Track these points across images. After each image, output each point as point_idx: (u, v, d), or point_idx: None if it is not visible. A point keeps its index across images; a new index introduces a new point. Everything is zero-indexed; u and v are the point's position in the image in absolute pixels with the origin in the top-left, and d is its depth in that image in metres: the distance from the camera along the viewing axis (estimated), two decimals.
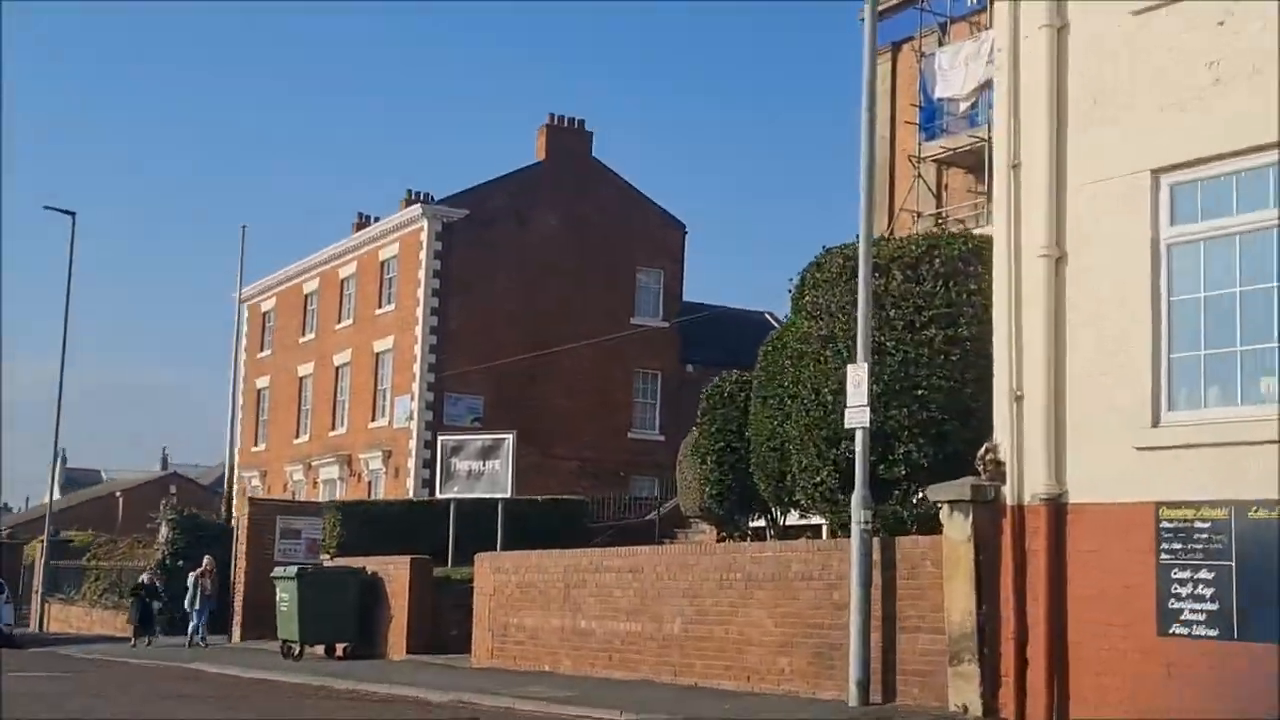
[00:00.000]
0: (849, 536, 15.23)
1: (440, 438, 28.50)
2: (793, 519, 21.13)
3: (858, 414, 15.01)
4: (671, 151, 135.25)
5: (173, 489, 67.02)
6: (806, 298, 17.49)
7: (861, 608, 14.71)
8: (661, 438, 46.40)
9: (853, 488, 15.33)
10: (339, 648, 25.77)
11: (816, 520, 20.42)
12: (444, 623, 24.81)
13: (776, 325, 51.91)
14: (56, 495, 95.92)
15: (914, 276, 15.97)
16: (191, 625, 31.31)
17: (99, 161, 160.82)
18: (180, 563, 34.68)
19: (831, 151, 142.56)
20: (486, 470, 26.62)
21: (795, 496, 18.02)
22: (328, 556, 28.95)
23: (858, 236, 15.88)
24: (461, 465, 27.01)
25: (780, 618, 16.39)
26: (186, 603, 31.23)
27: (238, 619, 32.14)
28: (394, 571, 25.24)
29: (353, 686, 19.92)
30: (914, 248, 16.56)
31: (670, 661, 18.05)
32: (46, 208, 43.41)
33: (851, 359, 15.52)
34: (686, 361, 47.64)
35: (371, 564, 26.10)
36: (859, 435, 15.01)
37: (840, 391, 15.75)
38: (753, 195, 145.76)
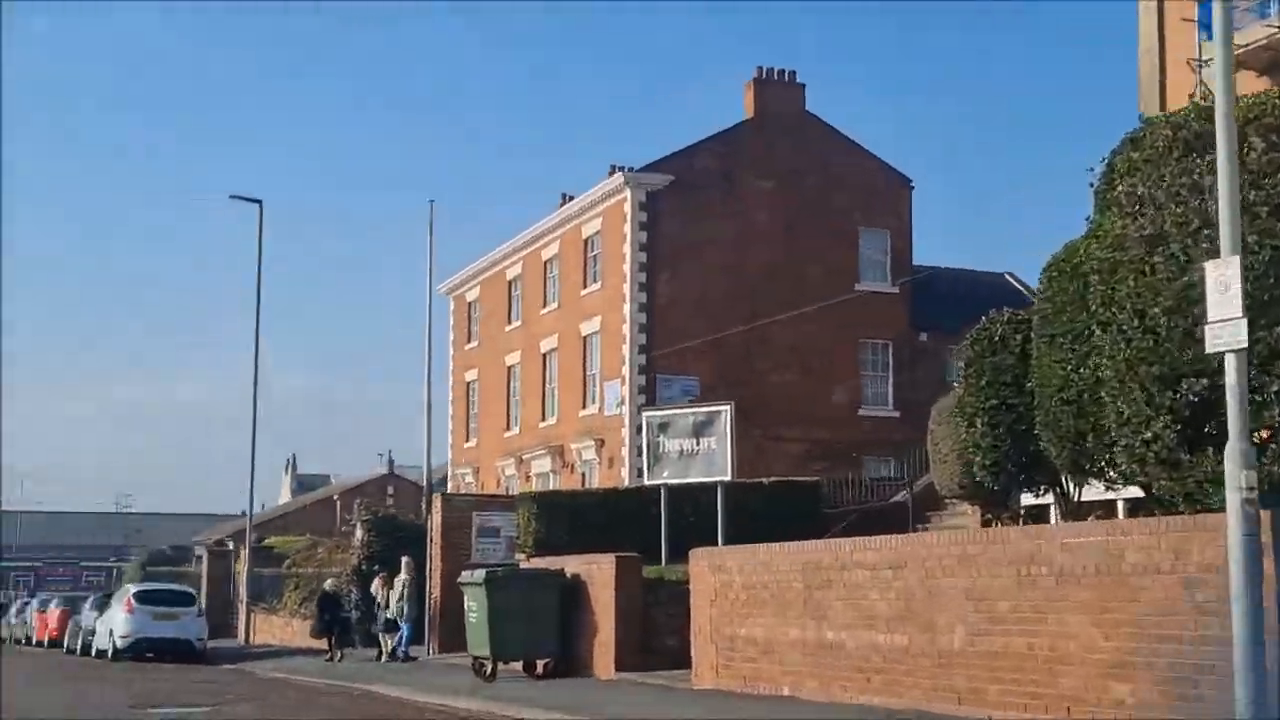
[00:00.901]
0: (1187, 511, 10.82)
1: (645, 414, 24.02)
2: (1091, 492, 16.11)
3: (1228, 331, 10.05)
4: (892, 101, 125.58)
5: (391, 489, 64.44)
6: (1119, 188, 12.52)
7: (1249, 612, 9.78)
8: (896, 413, 41.34)
9: (1199, 445, 10.57)
10: (539, 664, 21.56)
11: (1128, 493, 15.39)
12: (657, 632, 20.43)
13: (1020, 287, 46.70)
14: (286, 498, 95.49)
15: None
16: (395, 637, 27.64)
17: (281, 151, 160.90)
18: (376, 567, 31.12)
19: (1081, 93, 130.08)
20: (701, 449, 22.10)
21: (1110, 459, 13.10)
22: (524, 556, 24.83)
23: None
24: (672, 445, 22.54)
25: (1111, 627, 11.51)
26: (390, 611, 27.53)
27: (435, 630, 28.37)
28: (598, 573, 20.89)
29: None
30: None
31: (950, 685, 13.28)
32: (233, 197, 40.27)
33: (1194, 260, 10.67)
34: (919, 329, 42.43)
35: (572, 564, 21.83)
36: (1231, 363, 10.06)
37: (1177, 311, 11.02)
38: (984, 145, 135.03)
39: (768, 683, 16.36)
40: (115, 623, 32.67)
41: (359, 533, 33.42)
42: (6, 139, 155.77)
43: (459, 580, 22.38)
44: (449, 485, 51.46)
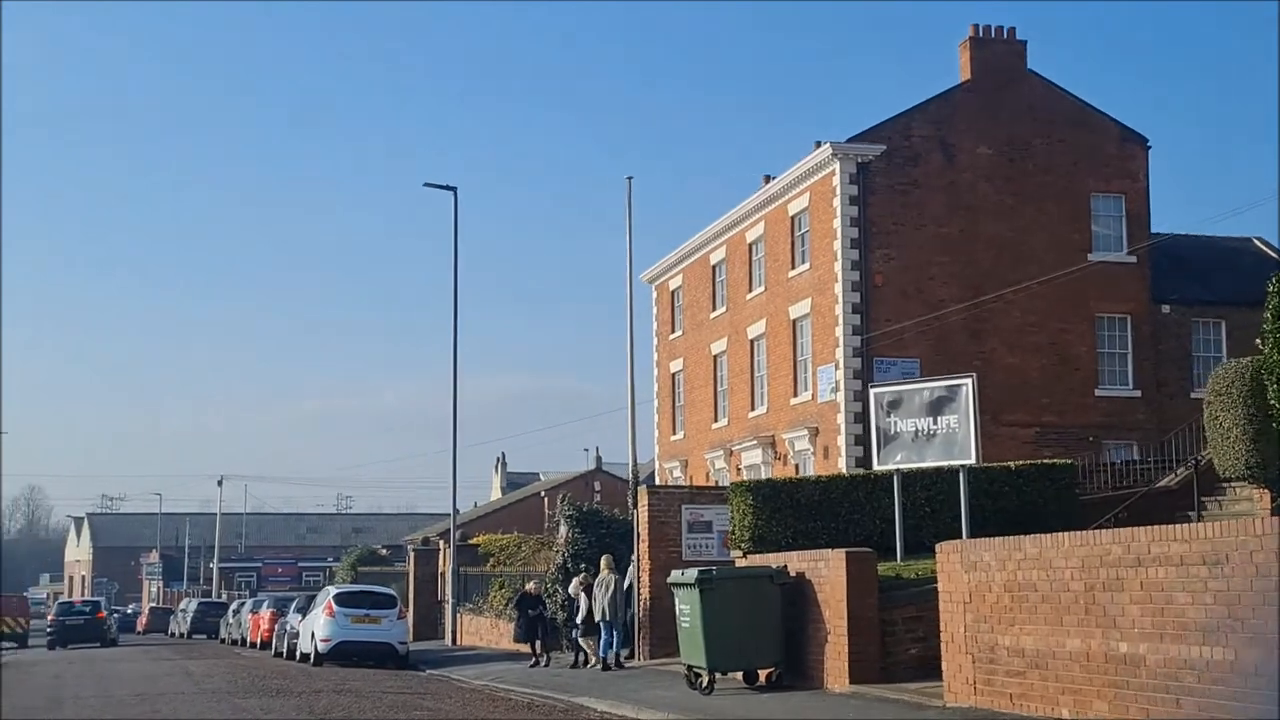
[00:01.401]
0: None
1: (873, 390, 21.00)
2: None
3: None
4: (1119, 57, 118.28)
5: (597, 485, 62.50)
6: None
7: None
8: (1136, 393, 37.52)
9: None
10: (760, 674, 18.88)
11: None
12: (895, 638, 17.57)
13: (1270, 252, 42.30)
14: (497, 497, 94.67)
15: None
16: (600, 641, 25.29)
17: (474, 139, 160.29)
18: (582, 565, 28.84)
19: None
20: (940, 430, 19.16)
21: None
22: (739, 553, 22.13)
23: None
24: (905, 425, 19.63)
25: None
26: (598, 614, 25.14)
27: (644, 633, 25.89)
28: (826, 570, 18.07)
29: None
30: None
31: None
32: (426, 185, 38.51)
33: None
34: (1160, 301, 38.44)
35: (795, 561, 19.08)
36: None
37: None
38: (1222, 101, 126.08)
39: (1040, 702, 13.40)
40: (316, 626, 31.08)
41: (563, 529, 31.17)
42: (5, 140, 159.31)
43: (669, 580, 19.81)
44: (656, 480, 49.08)
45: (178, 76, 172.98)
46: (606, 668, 24.69)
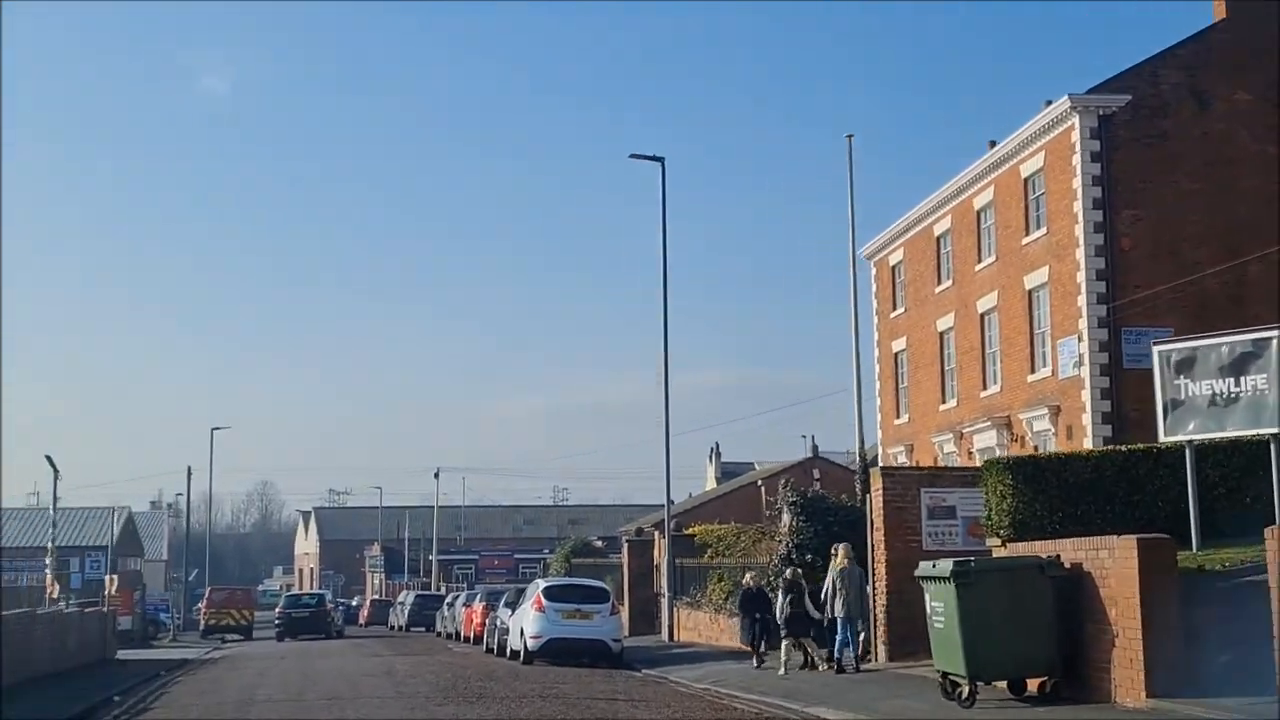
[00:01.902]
0: None
1: (1157, 348, 17.63)
2: None
3: None
4: None
5: (816, 473, 59.27)
6: None
7: None
8: None
9: None
10: (1030, 683, 15.79)
11: None
12: (1199, 643, 14.27)
13: None
14: (710, 485, 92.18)
15: None
16: (838, 640, 22.39)
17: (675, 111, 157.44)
18: (808, 557, 26.02)
19: None
20: (1243, 392, 15.77)
21: None
22: (997, 541, 18.99)
23: None
24: (1198, 388, 16.31)
25: None
26: (837, 609, 22.20)
27: (881, 632, 22.92)
28: (1110, 562, 14.84)
29: None
30: None
31: None
32: (632, 156, 36.06)
33: None
34: None
35: (1068, 550, 15.91)
36: None
37: None
38: None
39: None
40: (525, 621, 28.90)
41: (786, 517, 28.36)
42: None
43: (918, 574, 16.82)
44: (879, 465, 45.83)
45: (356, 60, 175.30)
46: (841, 670, 21.83)
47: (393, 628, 64.10)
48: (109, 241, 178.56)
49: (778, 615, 23.79)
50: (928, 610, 16.33)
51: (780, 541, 28.59)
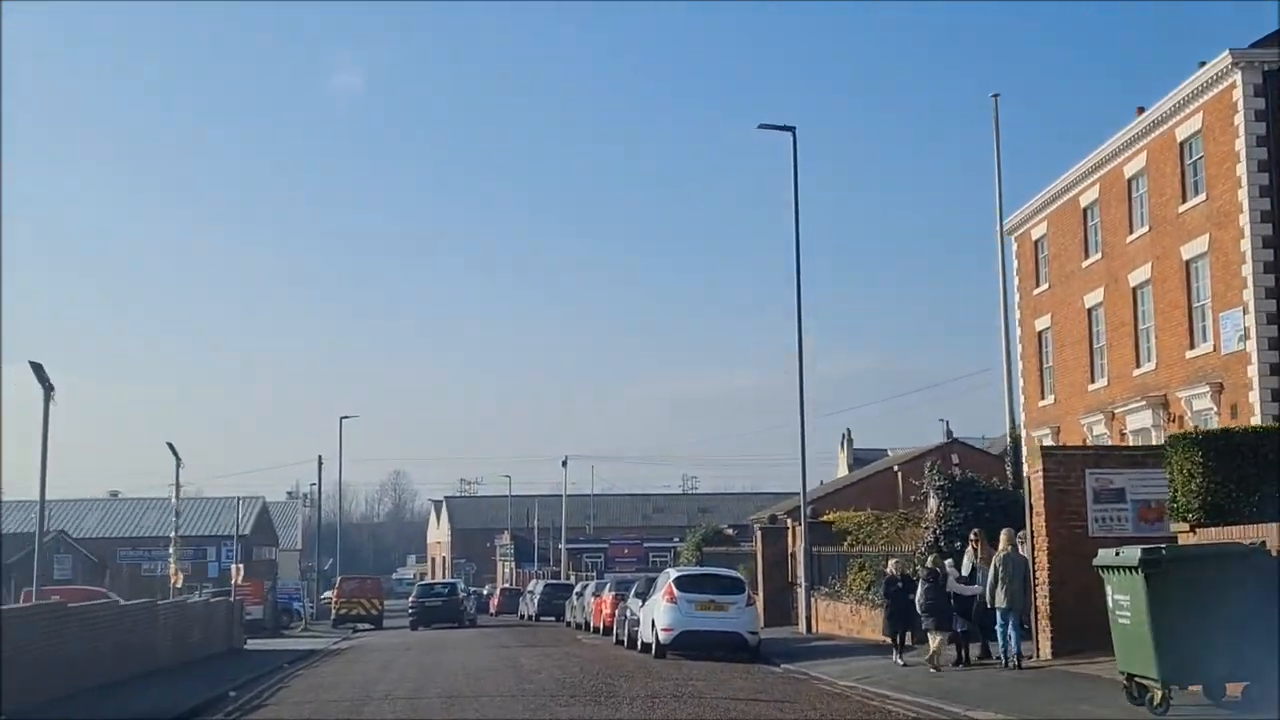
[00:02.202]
0: None
1: None
2: None
3: None
4: None
5: (955, 458, 56.86)
6: None
7: None
8: None
9: None
10: (1232, 688, 13.76)
11: None
12: None
13: None
14: (842, 472, 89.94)
15: None
16: (999, 634, 20.44)
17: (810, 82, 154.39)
18: (957, 544, 24.07)
19: None
20: None
21: None
22: (1184, 526, 16.84)
23: None
24: None
25: None
26: (999, 600, 20.23)
27: (1044, 625, 20.87)
28: None
29: None
30: None
31: None
32: (761, 126, 34.21)
33: None
34: None
35: (1273, 537, 13.85)
36: None
37: None
38: None
39: None
40: (657, 613, 27.29)
41: (932, 501, 26.42)
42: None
43: (1097, 562, 14.80)
44: (1018, 443, 43.39)
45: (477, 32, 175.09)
46: (1008, 667, 19.88)
47: (522, 617, 63.09)
48: (250, 233, 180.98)
49: (918, 606, 21.88)
50: (1109, 604, 14.36)
51: (926, 528, 26.66)
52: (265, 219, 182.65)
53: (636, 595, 31.76)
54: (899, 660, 22.12)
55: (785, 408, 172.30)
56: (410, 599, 56.95)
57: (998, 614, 20.25)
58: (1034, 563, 21.07)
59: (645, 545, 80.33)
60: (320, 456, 73.68)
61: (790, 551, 39.13)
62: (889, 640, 22.95)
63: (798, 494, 60.57)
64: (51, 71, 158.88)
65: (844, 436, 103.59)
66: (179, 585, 33.36)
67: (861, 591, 30.00)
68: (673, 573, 28.92)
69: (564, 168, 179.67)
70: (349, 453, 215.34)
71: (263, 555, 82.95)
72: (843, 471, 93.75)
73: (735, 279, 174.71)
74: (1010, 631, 20.10)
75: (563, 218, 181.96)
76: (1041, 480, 20.97)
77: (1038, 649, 20.86)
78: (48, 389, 20.96)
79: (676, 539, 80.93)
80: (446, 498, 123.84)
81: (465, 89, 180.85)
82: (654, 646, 27.24)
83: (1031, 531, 21.21)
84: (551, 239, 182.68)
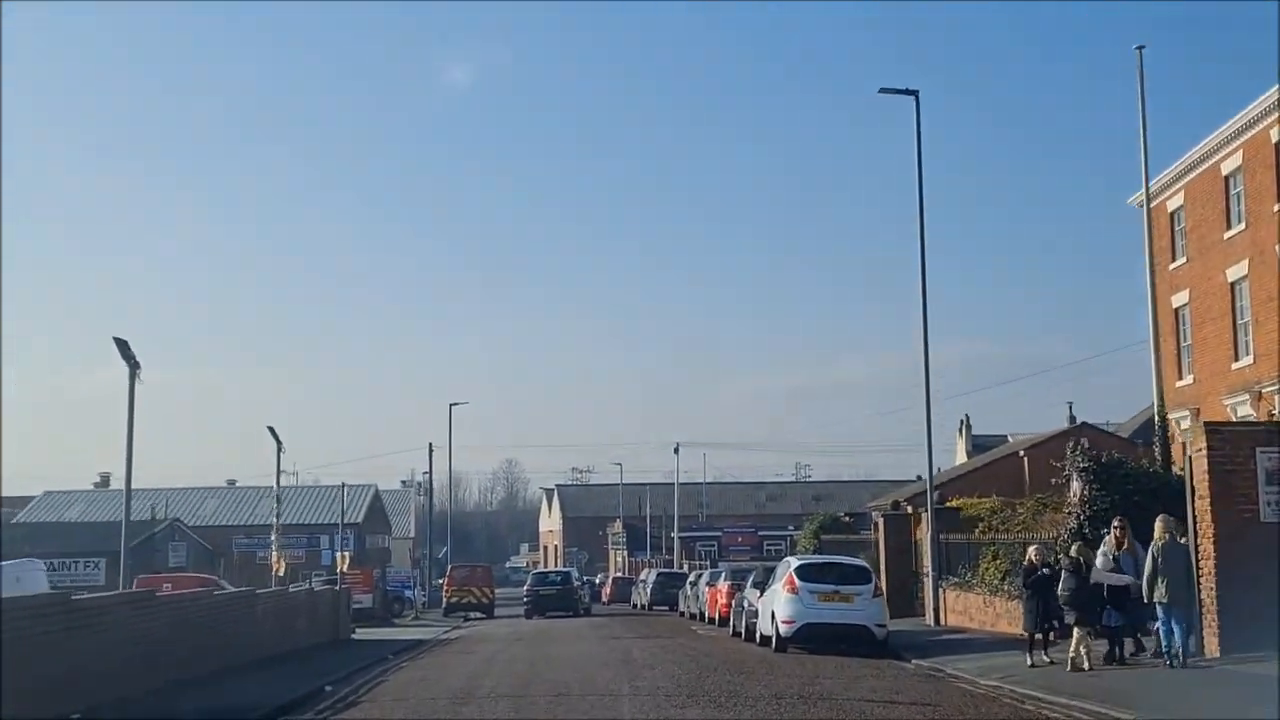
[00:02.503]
0: None
1: None
2: None
3: None
4: None
5: (1084, 441, 54.20)
6: None
7: None
8: None
9: None
10: None
11: None
12: None
13: None
14: (961, 459, 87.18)
15: None
16: (1161, 629, 18.39)
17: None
18: (1102, 530, 21.93)
19: None
20: None
21: None
22: None
23: None
24: None
25: None
26: (1158, 593, 18.16)
27: (1210, 620, 18.74)
28: None
29: None
30: None
31: None
32: (882, 90, 32.12)
33: None
34: None
35: None
36: None
37: None
38: None
39: None
40: (777, 604, 25.49)
41: (1075, 484, 24.30)
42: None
43: None
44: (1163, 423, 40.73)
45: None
46: (1169, 666, 17.83)
47: (635, 606, 61.60)
48: (371, 225, 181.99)
49: (1060, 598, 19.88)
50: None
51: (1068, 513, 24.55)
52: (388, 211, 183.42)
53: (754, 585, 29.99)
54: (1045, 657, 20.11)
55: (894, 395, 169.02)
56: (525, 587, 56.09)
57: (1158, 609, 18.21)
58: (1197, 551, 18.96)
59: (760, 534, 78.43)
60: (430, 444, 72.77)
61: (914, 540, 37.09)
62: (1029, 635, 20.92)
63: (912, 481, 58.52)
64: (181, 69, 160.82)
65: (962, 423, 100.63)
66: (281, 573, 32.24)
67: (996, 582, 27.92)
68: (793, 561, 27.02)
69: (678, 148, 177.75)
70: (463, 441, 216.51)
71: (376, 543, 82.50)
72: (961, 458, 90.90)
73: (845, 263, 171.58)
74: (1173, 627, 18.05)
75: (674, 202, 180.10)
76: (1206, 461, 18.85)
77: (1203, 646, 18.74)
78: (133, 365, 19.87)
79: (791, 527, 78.96)
80: (558, 486, 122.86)
81: (585, 81, 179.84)
82: (774, 639, 25.47)
83: (1194, 517, 19.09)
84: (661, 223, 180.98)
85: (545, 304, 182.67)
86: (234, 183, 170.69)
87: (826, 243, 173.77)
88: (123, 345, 19.91)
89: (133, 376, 20.03)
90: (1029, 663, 20.09)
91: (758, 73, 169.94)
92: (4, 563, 27.23)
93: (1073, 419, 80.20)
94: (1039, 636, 20.54)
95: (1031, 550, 21.74)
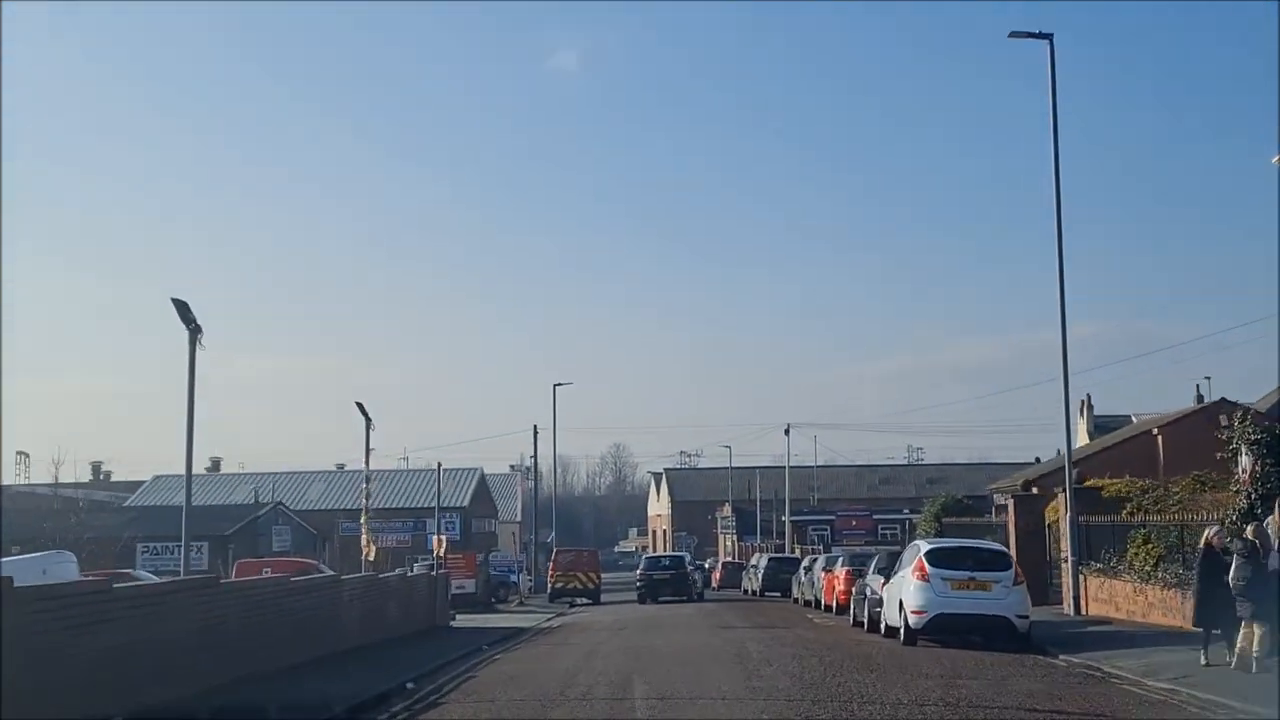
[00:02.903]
0: None
1: None
2: None
3: None
4: None
5: (1222, 419, 50.65)
6: None
7: None
8: None
9: None
10: None
11: None
12: None
13: None
14: (1083, 441, 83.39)
15: None
16: None
17: None
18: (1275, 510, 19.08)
19: None
20: None
21: None
22: None
23: None
24: None
25: None
26: None
27: None
28: None
29: None
30: None
31: None
32: (1013, 34, 29.22)
33: None
34: None
35: None
36: None
37: None
38: None
39: None
40: (905, 592, 22.92)
41: (1244, 460, 21.45)
42: None
43: None
44: None
45: None
46: None
47: (746, 592, 59.16)
48: (482, 210, 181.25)
49: (1232, 587, 17.15)
50: None
51: (1236, 491, 21.70)
52: (495, 196, 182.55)
53: (877, 571, 27.42)
54: (1228, 656, 17.35)
55: (1005, 376, 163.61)
56: (638, 572, 54.54)
57: None
58: None
59: (875, 517, 75.45)
60: (535, 425, 70.81)
61: (1048, 522, 34.23)
62: (1205, 630, 18.15)
63: (1030, 464, 55.31)
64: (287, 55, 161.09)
65: (1083, 402, 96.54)
66: (371, 557, 30.33)
67: (1148, 568, 25.06)
68: (924, 545, 24.30)
69: (783, 129, 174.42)
70: (571, 424, 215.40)
71: (482, 527, 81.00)
72: (1083, 439, 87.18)
73: (955, 243, 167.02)
74: None
75: (775, 183, 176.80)
76: None
77: None
78: (193, 329, 18.04)
79: (906, 510, 75.87)
80: (666, 470, 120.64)
81: (677, 62, 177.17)
82: (902, 631, 22.93)
83: None
84: (764, 206, 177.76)
85: (650, 287, 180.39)
86: (345, 163, 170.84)
87: (936, 223, 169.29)
88: (182, 307, 18.05)
89: (193, 340, 18.13)
90: (1203, 661, 17.40)
91: (867, 31, 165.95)
92: (33, 555, 25.71)
93: (1200, 397, 76.01)
94: (1216, 631, 17.81)
95: (1210, 532, 18.86)
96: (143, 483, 78.85)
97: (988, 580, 22.47)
